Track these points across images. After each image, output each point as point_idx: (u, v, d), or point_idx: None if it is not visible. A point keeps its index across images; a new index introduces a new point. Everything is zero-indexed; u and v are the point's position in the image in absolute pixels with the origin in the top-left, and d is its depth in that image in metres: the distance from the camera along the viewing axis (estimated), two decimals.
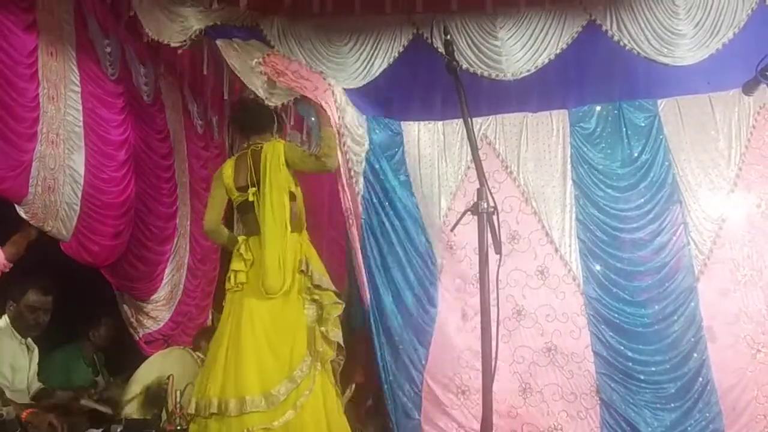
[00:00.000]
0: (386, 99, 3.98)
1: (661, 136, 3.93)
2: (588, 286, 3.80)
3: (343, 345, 3.43)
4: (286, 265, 3.41)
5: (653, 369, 3.66)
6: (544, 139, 4.01)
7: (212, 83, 4.58)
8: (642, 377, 3.66)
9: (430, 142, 4.03)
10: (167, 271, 5.58)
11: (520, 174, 3.98)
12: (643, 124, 3.96)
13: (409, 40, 3.86)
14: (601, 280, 3.81)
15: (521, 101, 4.02)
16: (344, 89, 3.81)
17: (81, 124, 4.43)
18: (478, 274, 2.35)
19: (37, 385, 3.63)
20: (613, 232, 3.87)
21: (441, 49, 3.54)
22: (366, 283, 3.76)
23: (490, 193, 2.43)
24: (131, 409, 3.61)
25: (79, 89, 4.40)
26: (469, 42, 3.84)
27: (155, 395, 3.56)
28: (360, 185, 3.78)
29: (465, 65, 3.80)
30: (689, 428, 3.56)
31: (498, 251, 2.43)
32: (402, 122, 4.01)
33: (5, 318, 3.62)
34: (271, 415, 3.16)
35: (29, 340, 3.68)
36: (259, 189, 3.48)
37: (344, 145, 3.74)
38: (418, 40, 3.85)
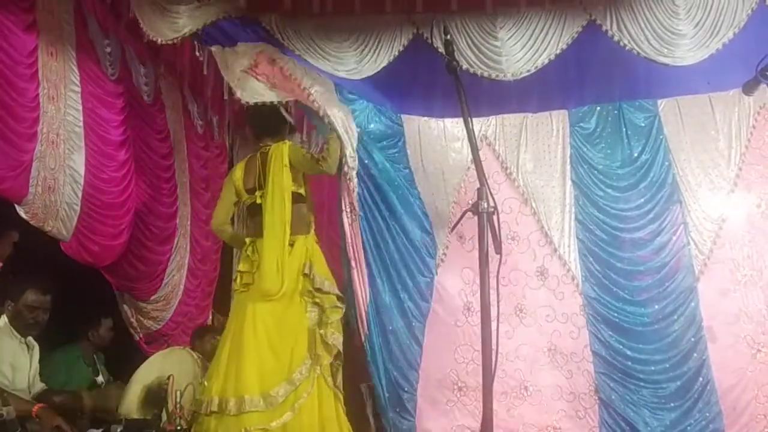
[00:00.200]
0: (386, 96, 3.96)
1: (661, 136, 3.93)
2: (587, 286, 3.80)
3: (341, 350, 3.45)
4: (284, 267, 3.44)
5: (652, 368, 3.66)
6: (543, 140, 4.02)
7: (212, 83, 4.57)
8: (641, 377, 3.66)
9: (432, 134, 4.02)
10: (167, 271, 5.58)
11: (519, 175, 3.99)
12: (643, 124, 3.96)
13: (409, 39, 3.85)
14: (600, 280, 3.80)
15: (521, 101, 4.02)
16: (345, 78, 3.81)
17: (81, 124, 4.44)
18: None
19: (39, 385, 3.63)
20: (613, 232, 3.87)
21: (441, 49, 3.53)
22: (359, 281, 3.68)
23: (491, 193, 2.43)
24: (131, 409, 3.61)
25: (79, 89, 4.40)
26: (469, 42, 3.84)
27: (155, 395, 3.55)
28: (354, 181, 3.73)
29: (465, 65, 3.79)
30: (689, 428, 3.55)
31: (498, 251, 2.44)
32: (403, 115, 4.01)
33: (4, 317, 3.62)
34: (270, 416, 3.20)
35: (30, 338, 3.67)
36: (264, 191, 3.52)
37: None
38: (418, 40, 3.85)
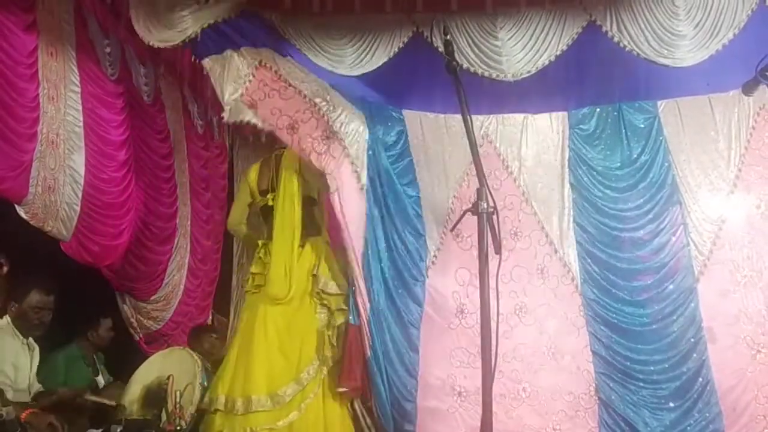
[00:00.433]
0: (387, 92, 3.95)
1: (660, 138, 3.92)
2: (586, 287, 3.79)
3: None
4: (293, 271, 3.52)
5: (652, 369, 3.65)
6: (543, 141, 4.00)
7: (212, 83, 4.57)
8: (641, 377, 3.65)
9: (433, 131, 3.99)
10: (168, 271, 5.59)
11: (520, 174, 3.96)
12: (642, 126, 3.96)
13: (408, 37, 3.85)
14: (599, 281, 3.79)
15: (521, 102, 4.00)
16: (344, 75, 3.80)
17: (81, 124, 4.45)
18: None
19: (36, 386, 3.63)
20: (612, 233, 3.86)
21: (441, 48, 3.53)
22: (359, 287, 3.63)
23: (490, 194, 2.43)
24: (131, 409, 3.61)
25: (79, 89, 4.41)
26: (470, 41, 3.83)
27: (155, 395, 3.56)
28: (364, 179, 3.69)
29: (465, 65, 3.78)
30: (689, 428, 3.54)
31: (498, 251, 2.44)
32: (404, 110, 3.99)
33: (6, 318, 3.62)
34: (276, 415, 3.29)
35: (30, 339, 3.68)
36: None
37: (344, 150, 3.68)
38: (417, 39, 3.85)
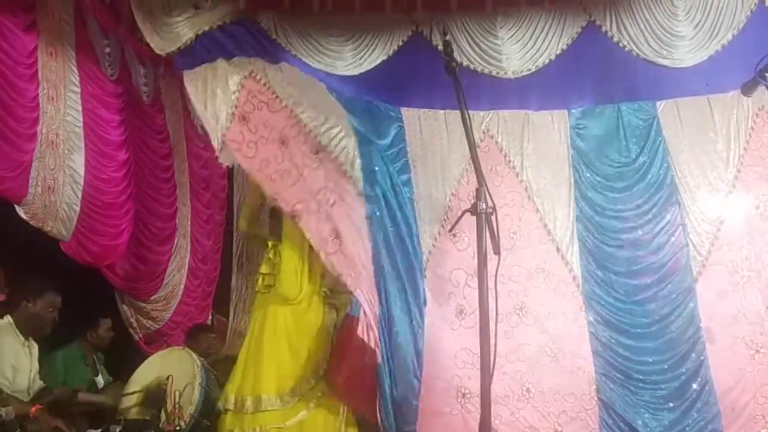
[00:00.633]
0: (386, 90, 3.94)
1: (659, 138, 3.93)
2: (587, 286, 3.78)
3: None
4: (303, 272, 3.56)
5: (651, 369, 3.65)
6: (545, 138, 3.99)
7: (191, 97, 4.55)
8: (640, 377, 3.65)
9: (432, 128, 3.98)
10: (168, 271, 5.59)
11: (522, 170, 3.94)
12: (642, 126, 3.96)
13: (408, 36, 3.84)
14: (600, 281, 3.79)
15: (522, 100, 3.99)
16: (342, 76, 3.80)
17: (81, 124, 4.45)
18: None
19: (39, 383, 3.64)
20: (612, 233, 3.86)
21: (440, 47, 3.53)
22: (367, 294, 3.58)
23: (489, 194, 2.43)
24: (130, 410, 3.61)
25: (78, 90, 4.41)
26: (469, 39, 3.83)
27: (154, 396, 3.56)
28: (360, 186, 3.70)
29: (465, 62, 3.78)
30: (687, 428, 3.55)
31: (496, 252, 2.44)
32: (402, 108, 3.98)
33: (8, 318, 3.64)
34: (285, 414, 3.35)
35: (30, 339, 3.69)
36: None
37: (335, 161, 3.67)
38: (417, 37, 3.84)
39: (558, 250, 3.84)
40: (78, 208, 4.46)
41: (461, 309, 3.74)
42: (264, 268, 3.72)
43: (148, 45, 3.72)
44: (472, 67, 3.82)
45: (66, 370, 4.36)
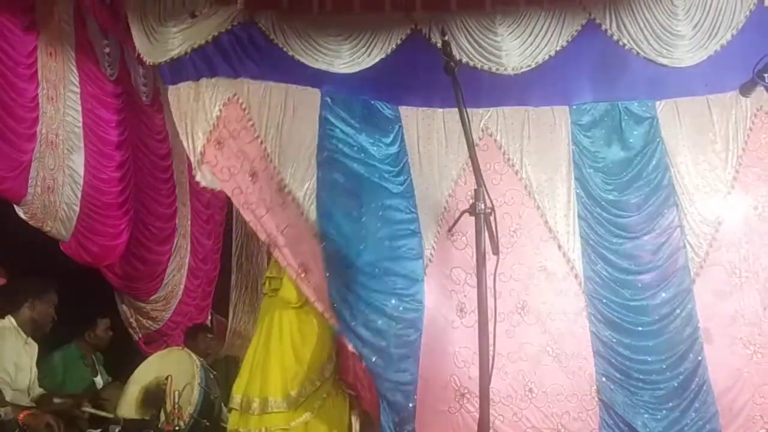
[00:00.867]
0: (385, 89, 3.93)
1: (658, 138, 3.91)
2: (589, 285, 3.76)
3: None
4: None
5: (651, 368, 3.64)
6: (545, 135, 3.96)
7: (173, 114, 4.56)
8: (640, 377, 3.63)
9: (430, 127, 3.97)
10: (168, 271, 5.60)
11: (522, 168, 3.92)
12: (641, 126, 3.94)
13: (406, 34, 3.83)
14: (602, 279, 3.77)
15: (522, 96, 3.97)
16: (341, 74, 3.80)
17: (80, 124, 4.45)
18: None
19: (38, 390, 3.64)
20: (612, 232, 3.84)
21: (439, 45, 3.52)
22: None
23: (488, 194, 2.43)
24: (129, 410, 3.61)
25: (78, 90, 4.42)
26: (468, 36, 3.81)
27: (154, 396, 3.57)
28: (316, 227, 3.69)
29: (464, 59, 3.76)
30: (686, 428, 3.54)
31: (495, 252, 2.44)
32: (400, 107, 3.97)
33: (10, 318, 3.65)
34: (290, 416, 3.41)
35: (29, 338, 3.70)
36: None
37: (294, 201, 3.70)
38: (415, 35, 3.83)
39: (560, 247, 3.82)
40: (77, 208, 4.46)
41: (462, 307, 3.72)
42: (271, 272, 3.78)
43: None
44: (471, 63, 3.80)
45: (65, 371, 4.37)
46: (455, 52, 3.62)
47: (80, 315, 4.61)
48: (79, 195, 4.46)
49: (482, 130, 3.94)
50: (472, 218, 2.42)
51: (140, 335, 5.46)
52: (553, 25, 3.83)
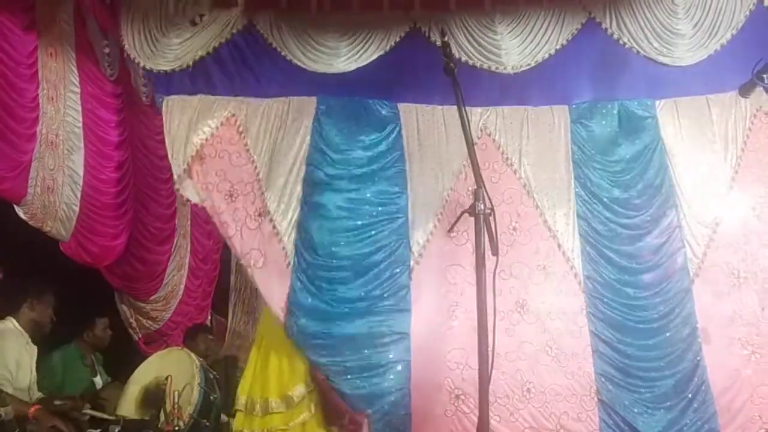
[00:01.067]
0: (384, 86, 3.93)
1: (658, 138, 3.92)
2: (589, 284, 3.76)
3: None
4: None
5: (650, 366, 3.64)
6: (545, 134, 3.96)
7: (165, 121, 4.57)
8: (639, 377, 3.63)
9: (429, 123, 3.96)
10: (167, 271, 5.60)
11: (521, 167, 3.92)
12: (641, 125, 3.94)
13: (405, 32, 3.82)
14: (601, 279, 3.76)
15: (522, 95, 3.97)
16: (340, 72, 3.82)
17: (80, 124, 4.45)
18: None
19: (37, 395, 3.65)
20: (613, 231, 3.83)
21: (438, 42, 3.51)
22: None
23: (487, 195, 2.43)
24: (129, 410, 3.62)
25: (78, 90, 4.42)
26: (467, 35, 3.80)
27: (153, 396, 3.57)
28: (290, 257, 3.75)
29: (464, 57, 3.75)
30: (685, 428, 3.54)
31: (495, 252, 2.44)
32: (399, 104, 3.97)
33: (11, 319, 3.66)
34: (289, 416, 3.48)
35: (30, 341, 3.72)
36: None
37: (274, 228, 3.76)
38: (414, 33, 3.83)
39: (559, 246, 3.82)
40: (77, 209, 4.46)
41: (455, 308, 3.71)
42: None
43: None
44: (470, 62, 3.79)
45: (64, 371, 4.37)
46: (454, 50, 3.63)
47: (80, 315, 4.61)
48: (79, 195, 4.46)
49: (481, 130, 3.94)
50: (472, 217, 2.42)
51: (140, 335, 5.47)
52: (552, 24, 3.83)
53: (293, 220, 3.78)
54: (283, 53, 3.79)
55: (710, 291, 3.73)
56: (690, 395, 3.58)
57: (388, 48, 3.81)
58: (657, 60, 3.82)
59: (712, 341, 3.65)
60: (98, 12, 4.33)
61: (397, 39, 3.82)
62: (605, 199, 3.87)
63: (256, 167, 3.80)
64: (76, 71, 4.39)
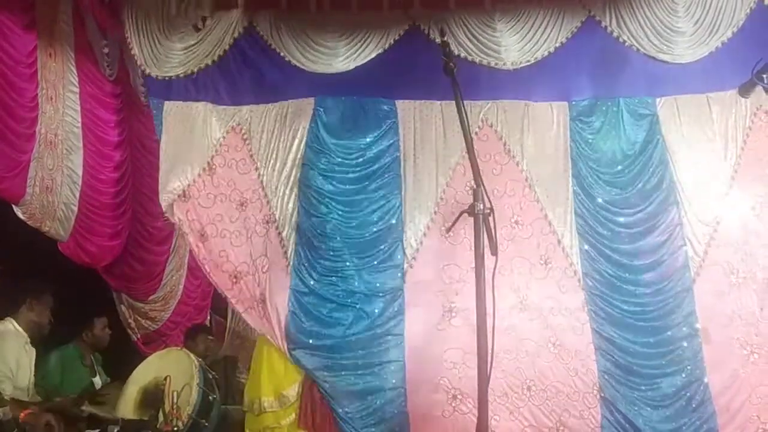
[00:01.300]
0: (380, 84, 3.93)
1: (658, 135, 3.90)
2: (589, 282, 3.75)
3: None
4: None
5: (650, 364, 3.63)
6: (545, 129, 3.94)
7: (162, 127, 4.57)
8: (641, 375, 3.62)
9: (428, 118, 3.95)
10: (166, 271, 5.59)
11: (523, 159, 3.90)
12: (641, 122, 3.93)
13: (404, 30, 3.83)
14: (602, 277, 3.75)
15: (521, 91, 3.95)
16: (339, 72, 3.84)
17: (79, 124, 4.45)
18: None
19: (36, 399, 3.65)
20: (612, 230, 3.82)
21: (437, 40, 3.51)
22: None
23: (486, 194, 2.42)
24: (128, 410, 3.61)
25: (77, 90, 4.42)
26: (467, 32, 3.80)
27: (152, 396, 3.57)
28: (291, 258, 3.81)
29: (463, 54, 3.76)
30: (684, 427, 3.54)
31: (494, 252, 2.43)
32: (398, 100, 3.97)
33: (12, 321, 3.66)
34: (282, 415, 3.57)
35: (29, 343, 3.72)
36: None
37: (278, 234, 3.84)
38: (414, 31, 3.83)
39: (559, 242, 3.81)
40: (76, 209, 4.46)
41: (450, 308, 3.70)
42: None
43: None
44: (470, 58, 3.79)
45: (63, 371, 4.36)
46: (454, 47, 3.64)
47: (79, 315, 4.61)
48: (78, 195, 4.46)
49: (482, 121, 3.93)
50: (471, 216, 2.41)
51: (139, 335, 5.46)
52: (552, 22, 3.83)
53: (293, 221, 3.81)
54: (282, 54, 3.82)
55: (710, 290, 3.72)
56: (689, 394, 3.58)
57: (387, 46, 3.82)
58: (657, 57, 3.83)
59: (711, 341, 3.64)
60: (97, 12, 4.32)
61: (396, 37, 3.83)
62: (604, 199, 3.85)
63: (260, 174, 3.88)
64: (75, 71, 4.39)
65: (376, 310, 3.68)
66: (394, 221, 3.81)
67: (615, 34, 3.80)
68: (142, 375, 3.77)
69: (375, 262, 3.74)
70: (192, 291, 6.00)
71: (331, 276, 3.72)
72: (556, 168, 3.90)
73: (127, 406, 3.64)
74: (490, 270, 2.39)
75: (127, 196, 4.93)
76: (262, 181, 3.87)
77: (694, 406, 3.56)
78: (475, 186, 2.43)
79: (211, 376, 3.86)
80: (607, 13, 3.81)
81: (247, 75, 3.89)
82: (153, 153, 5.17)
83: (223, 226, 3.81)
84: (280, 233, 3.82)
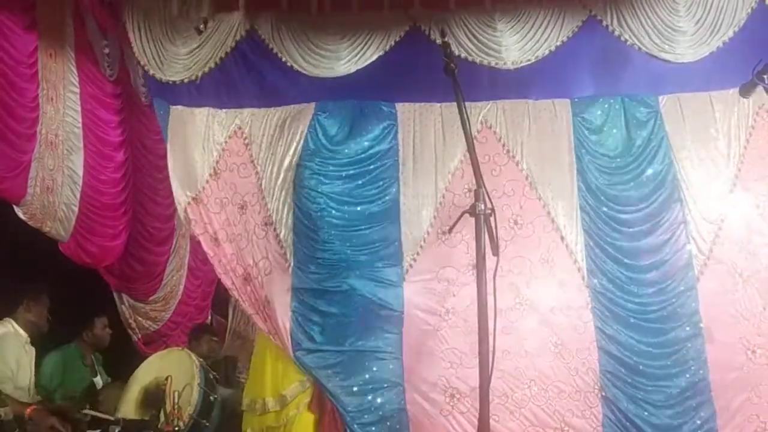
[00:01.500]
0: (381, 87, 3.92)
1: (662, 134, 3.89)
2: (593, 279, 3.73)
3: None
4: None
5: (653, 364, 3.61)
6: (546, 127, 3.92)
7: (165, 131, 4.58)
8: (644, 374, 3.61)
9: (428, 121, 3.95)
10: (167, 271, 5.60)
11: (523, 159, 3.89)
12: (644, 120, 3.91)
13: (405, 31, 3.82)
14: (605, 275, 3.73)
15: (522, 90, 3.95)
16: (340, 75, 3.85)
17: (80, 125, 4.46)
18: (474, 262, 2.34)
19: (36, 399, 3.65)
20: (615, 228, 3.80)
21: (438, 41, 3.51)
22: None
23: (487, 194, 2.42)
24: (129, 410, 3.61)
25: (78, 90, 4.42)
26: (467, 32, 3.79)
27: (153, 396, 3.57)
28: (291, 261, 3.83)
29: (463, 54, 3.75)
30: (684, 427, 3.53)
31: (495, 253, 2.43)
32: (397, 103, 3.97)
33: (12, 322, 3.66)
34: (282, 414, 3.54)
35: (28, 344, 3.72)
36: None
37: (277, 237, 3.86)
38: (414, 32, 3.82)
39: (563, 239, 3.79)
40: (76, 209, 4.46)
41: (448, 308, 3.70)
42: None
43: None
44: (470, 58, 3.78)
45: (64, 371, 4.36)
46: (454, 47, 3.63)
47: (80, 315, 4.61)
48: (78, 195, 4.47)
49: (481, 123, 3.92)
50: (472, 217, 2.41)
51: (139, 336, 5.46)
52: (553, 21, 3.82)
53: (289, 223, 3.83)
54: (284, 59, 3.82)
55: (714, 289, 3.70)
56: (691, 393, 3.57)
57: (387, 48, 3.82)
58: (659, 56, 3.81)
59: (714, 340, 3.63)
60: (97, 12, 4.33)
61: (397, 38, 3.82)
62: (607, 196, 3.83)
63: (259, 177, 3.89)
64: (75, 71, 4.39)
65: (376, 310, 3.67)
66: (392, 222, 3.81)
67: (616, 33, 3.80)
68: (143, 375, 3.78)
69: (374, 263, 3.74)
70: (192, 291, 6.00)
71: (331, 277, 3.71)
72: (559, 164, 3.88)
73: (129, 406, 3.65)
74: (490, 270, 2.39)
75: (128, 196, 4.94)
76: (260, 185, 3.88)
77: (694, 405, 3.55)
78: (476, 187, 2.42)
79: (212, 376, 3.87)
80: (608, 12, 3.80)
81: (249, 79, 3.90)
82: (154, 153, 5.19)
83: (231, 230, 3.84)
84: (278, 235, 3.83)
